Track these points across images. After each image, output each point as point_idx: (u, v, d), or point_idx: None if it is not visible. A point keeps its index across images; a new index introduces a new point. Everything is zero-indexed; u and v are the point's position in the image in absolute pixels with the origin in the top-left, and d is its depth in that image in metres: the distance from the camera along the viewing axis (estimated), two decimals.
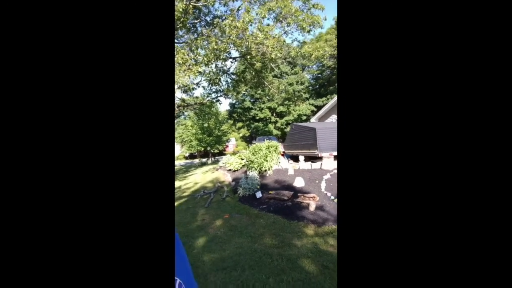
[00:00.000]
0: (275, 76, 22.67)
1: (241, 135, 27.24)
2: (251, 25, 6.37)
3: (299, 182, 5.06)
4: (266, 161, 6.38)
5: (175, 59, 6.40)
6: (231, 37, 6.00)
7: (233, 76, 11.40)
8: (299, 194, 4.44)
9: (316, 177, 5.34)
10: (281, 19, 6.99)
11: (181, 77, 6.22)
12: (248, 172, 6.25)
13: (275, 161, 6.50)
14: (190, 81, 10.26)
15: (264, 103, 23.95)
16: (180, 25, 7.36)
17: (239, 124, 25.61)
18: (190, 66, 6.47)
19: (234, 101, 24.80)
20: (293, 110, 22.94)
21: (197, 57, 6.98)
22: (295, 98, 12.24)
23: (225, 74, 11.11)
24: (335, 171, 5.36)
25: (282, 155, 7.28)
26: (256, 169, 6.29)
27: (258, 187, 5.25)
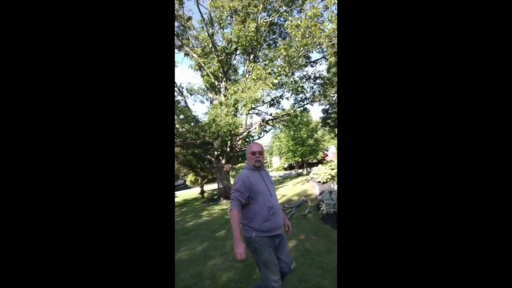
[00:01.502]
0: None
1: None
2: (319, 20, 5.71)
3: None
4: None
5: (251, 76, 6.69)
6: (297, 39, 5.58)
7: (318, 81, 10.72)
8: None
9: None
10: None
11: (255, 93, 6.36)
12: (332, 185, 5.39)
13: None
14: (272, 94, 10.49)
15: None
16: (255, 43, 7.72)
17: (327, 132, 23.72)
18: (266, 80, 6.54)
19: (326, 107, 23.42)
20: None
21: (272, 70, 7.00)
22: None
23: (308, 80, 10.63)
24: None
25: None
26: None
27: None
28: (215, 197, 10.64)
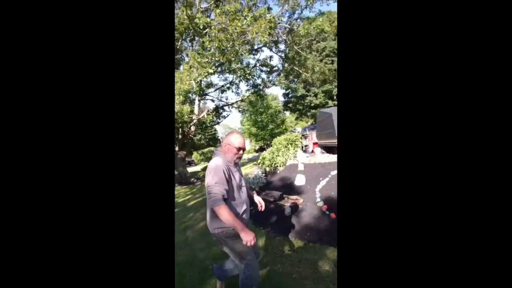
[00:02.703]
0: (328, 55, 20.05)
1: (309, 123, 26.26)
2: (238, 17, 5.83)
3: (299, 181, 4.40)
4: (278, 156, 5.86)
5: (184, 66, 6.73)
6: (216, 35, 5.73)
7: (264, 68, 10.99)
8: (284, 196, 3.86)
9: (324, 173, 4.51)
10: None
11: (184, 83, 6.45)
12: (255, 170, 5.93)
13: (291, 155, 5.89)
14: (222, 81, 10.53)
15: (318, 87, 22.16)
16: (192, 30, 7.64)
17: (296, 114, 24.66)
18: (198, 70, 6.64)
19: (287, 91, 24.01)
20: None
21: (207, 59, 7.07)
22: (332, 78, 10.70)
23: (255, 68, 10.84)
24: None
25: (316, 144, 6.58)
26: (268, 166, 5.89)
27: (258, 187, 4.91)
28: None
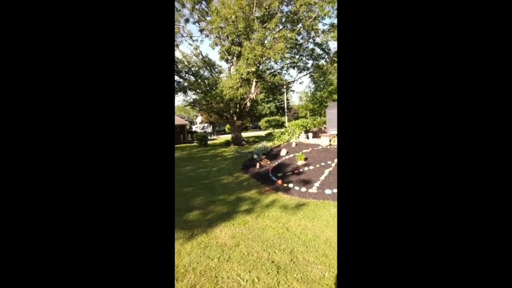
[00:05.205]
0: None
1: None
2: None
3: (283, 152, 7.15)
4: (284, 134, 8.51)
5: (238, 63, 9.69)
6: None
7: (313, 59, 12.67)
8: (263, 157, 6.78)
9: (298, 150, 7.04)
10: None
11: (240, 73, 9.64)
12: (264, 142, 8.81)
13: (296, 136, 8.42)
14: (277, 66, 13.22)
15: None
16: (248, 29, 10.45)
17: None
18: (246, 67, 9.66)
19: None
20: None
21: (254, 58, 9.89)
22: None
23: (307, 56, 12.63)
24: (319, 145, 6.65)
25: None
26: (276, 140, 8.65)
27: (262, 153, 7.91)
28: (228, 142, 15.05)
